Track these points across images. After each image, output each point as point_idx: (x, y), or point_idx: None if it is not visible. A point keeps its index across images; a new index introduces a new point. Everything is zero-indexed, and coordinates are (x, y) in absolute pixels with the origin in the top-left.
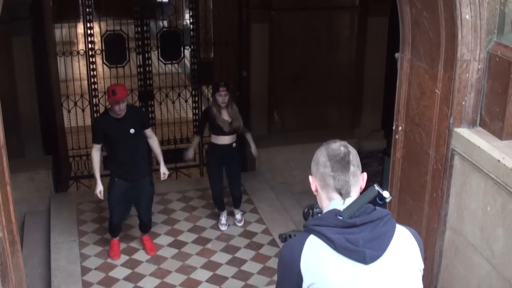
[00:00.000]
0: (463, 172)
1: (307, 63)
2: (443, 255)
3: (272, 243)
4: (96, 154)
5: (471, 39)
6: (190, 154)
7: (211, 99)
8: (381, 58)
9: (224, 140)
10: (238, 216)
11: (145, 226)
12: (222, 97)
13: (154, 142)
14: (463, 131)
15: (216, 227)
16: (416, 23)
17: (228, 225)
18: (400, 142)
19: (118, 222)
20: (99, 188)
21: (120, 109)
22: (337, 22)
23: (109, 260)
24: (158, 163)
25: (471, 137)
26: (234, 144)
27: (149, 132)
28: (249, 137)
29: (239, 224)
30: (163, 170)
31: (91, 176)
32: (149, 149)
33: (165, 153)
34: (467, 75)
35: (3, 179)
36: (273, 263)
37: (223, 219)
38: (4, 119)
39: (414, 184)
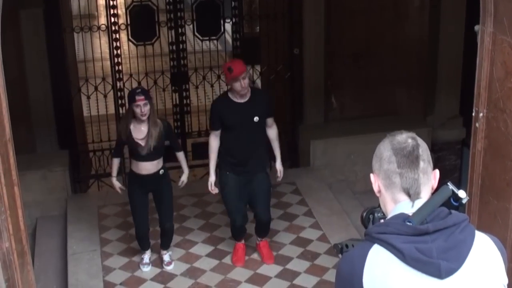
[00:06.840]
0: None
1: (370, 38)
2: None
3: (330, 252)
4: (214, 141)
5: None
6: None
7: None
8: (458, 32)
9: None
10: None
11: (264, 228)
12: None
13: (273, 133)
14: None
15: None
16: None
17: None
18: (481, 131)
19: (241, 223)
20: (212, 179)
21: (242, 86)
22: None
23: (136, 273)
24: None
25: None
26: None
27: (270, 120)
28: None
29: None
30: (279, 167)
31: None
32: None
33: (202, 146)
34: None
35: (10, 178)
36: (332, 275)
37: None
38: (11, 107)
39: (498, 181)
